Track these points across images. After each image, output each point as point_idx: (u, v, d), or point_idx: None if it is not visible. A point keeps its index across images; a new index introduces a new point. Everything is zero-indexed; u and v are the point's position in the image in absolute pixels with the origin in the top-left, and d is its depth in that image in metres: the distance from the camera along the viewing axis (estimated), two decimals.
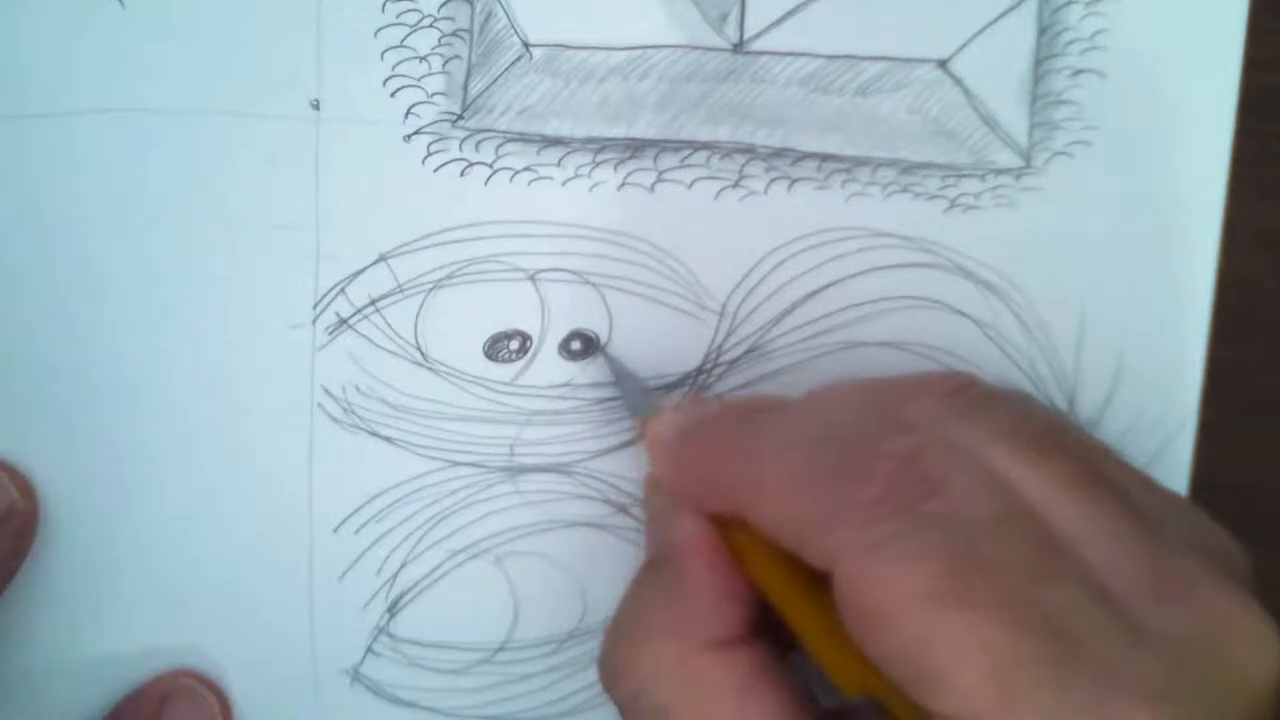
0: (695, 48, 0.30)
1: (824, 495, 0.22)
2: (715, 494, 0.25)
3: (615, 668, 0.25)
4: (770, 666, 0.24)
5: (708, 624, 0.24)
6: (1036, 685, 0.19)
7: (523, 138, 0.30)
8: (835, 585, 0.21)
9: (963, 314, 0.30)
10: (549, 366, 0.30)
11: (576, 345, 0.30)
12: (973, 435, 0.22)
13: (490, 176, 0.30)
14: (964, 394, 0.24)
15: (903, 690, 0.20)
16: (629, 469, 0.31)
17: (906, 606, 0.20)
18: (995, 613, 0.20)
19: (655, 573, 0.26)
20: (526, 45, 0.29)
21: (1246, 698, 0.20)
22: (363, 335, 0.30)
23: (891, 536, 0.21)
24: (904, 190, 0.30)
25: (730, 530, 0.25)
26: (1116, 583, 0.21)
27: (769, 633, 0.24)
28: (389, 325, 0.30)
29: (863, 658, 0.21)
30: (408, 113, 0.29)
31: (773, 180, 0.30)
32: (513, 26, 0.29)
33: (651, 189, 0.30)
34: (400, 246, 0.30)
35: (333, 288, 0.30)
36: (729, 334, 0.30)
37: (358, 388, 0.30)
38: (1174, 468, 0.31)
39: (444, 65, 0.29)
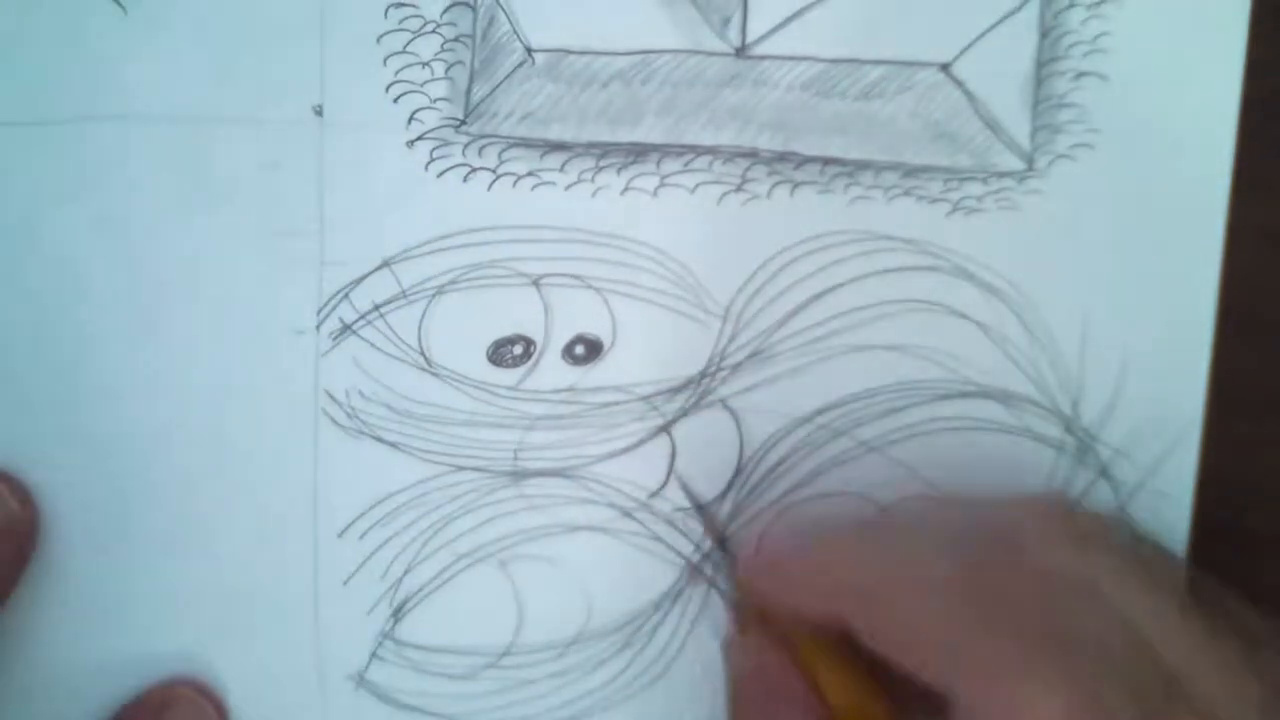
0: (698, 52, 0.30)
1: (950, 618, 0.22)
2: (822, 608, 0.25)
3: None
4: None
5: None
6: None
7: (526, 143, 0.30)
8: (956, 708, 0.22)
9: (966, 317, 0.30)
10: (552, 371, 0.30)
11: (580, 350, 0.30)
12: (1088, 563, 0.23)
13: (493, 182, 0.30)
14: (1073, 522, 0.24)
15: None
16: (632, 473, 0.31)
17: None
18: None
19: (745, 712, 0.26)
20: (529, 50, 0.29)
21: None
22: (366, 340, 0.30)
23: (1022, 661, 0.21)
24: (907, 194, 0.30)
25: (803, 645, 0.25)
26: (1226, 709, 0.21)
27: None
28: (392, 330, 0.30)
29: None
30: (411, 118, 0.29)
31: (776, 184, 0.30)
32: (515, 32, 0.29)
33: (655, 193, 0.30)
34: (404, 252, 0.30)
35: (336, 293, 0.30)
36: (732, 337, 0.30)
37: (361, 393, 0.30)
38: (1180, 469, 0.31)
39: (447, 71, 0.29)
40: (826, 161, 0.30)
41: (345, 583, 0.31)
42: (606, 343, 0.30)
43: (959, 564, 0.23)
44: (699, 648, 0.31)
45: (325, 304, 0.30)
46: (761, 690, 0.26)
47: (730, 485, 0.31)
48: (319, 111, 0.29)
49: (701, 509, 0.30)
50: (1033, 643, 0.22)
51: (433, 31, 0.29)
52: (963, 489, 0.30)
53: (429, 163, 0.30)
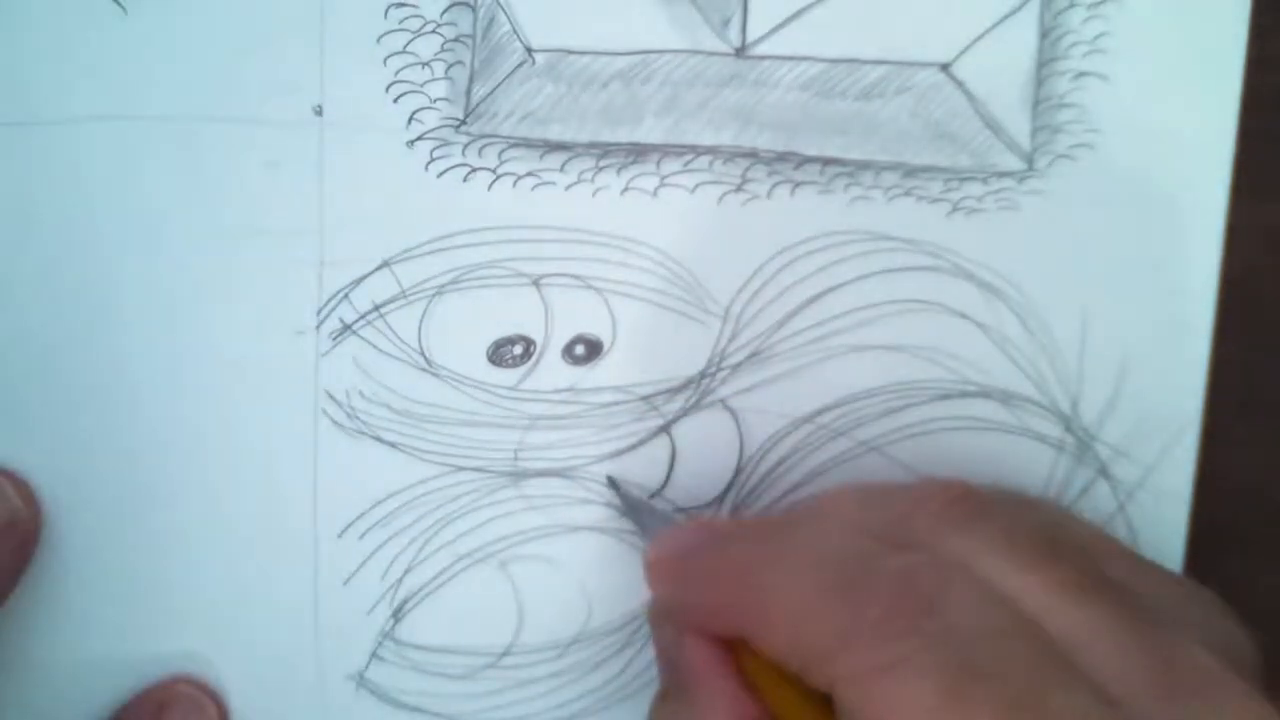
0: (698, 52, 0.30)
1: (825, 622, 0.22)
2: (719, 618, 0.25)
3: None
4: None
5: None
6: None
7: (526, 143, 0.30)
8: (838, 710, 0.21)
9: (965, 317, 0.30)
10: (552, 371, 0.30)
11: (580, 350, 0.30)
12: (968, 547, 0.23)
13: (493, 182, 0.30)
14: (959, 504, 0.24)
15: None
16: (632, 473, 0.31)
17: None
18: None
19: (668, 703, 0.26)
20: (529, 50, 0.29)
21: None
22: (366, 341, 0.30)
23: (890, 658, 0.21)
24: (907, 194, 0.30)
25: (737, 649, 0.25)
26: (1119, 685, 0.21)
27: None
28: (392, 331, 0.30)
29: None
30: (410, 118, 0.29)
31: (776, 184, 0.30)
32: (515, 32, 0.29)
33: (655, 194, 0.30)
34: (404, 252, 0.30)
35: (336, 293, 0.30)
36: (732, 338, 0.30)
37: (361, 393, 0.30)
38: (1177, 468, 0.31)
39: (447, 71, 0.29)
40: (826, 161, 0.30)
41: (345, 583, 0.31)
42: (606, 343, 0.30)
43: (840, 566, 0.23)
44: None
45: (325, 304, 0.30)
46: (682, 686, 0.26)
47: (730, 485, 0.31)
48: (319, 111, 0.29)
49: (634, 506, 0.30)
50: (901, 633, 0.21)
51: (433, 31, 0.29)
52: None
53: (429, 163, 0.30)
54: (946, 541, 0.23)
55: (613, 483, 0.30)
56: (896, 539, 0.23)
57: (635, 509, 0.30)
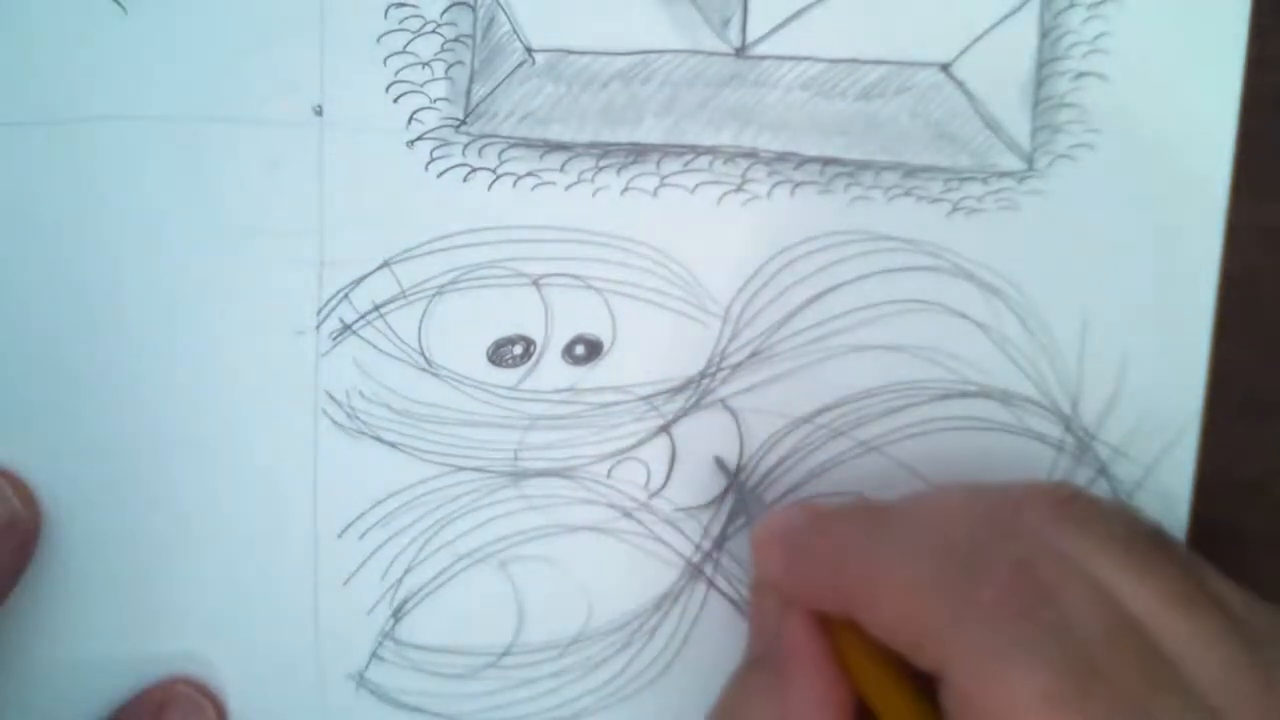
0: (698, 52, 0.30)
1: (940, 600, 0.23)
2: (828, 594, 0.25)
3: None
4: None
5: None
6: None
7: (526, 143, 0.30)
8: (946, 689, 0.22)
9: (965, 317, 0.30)
10: (552, 371, 0.30)
11: (580, 350, 0.30)
12: (1082, 546, 0.23)
13: (493, 182, 0.30)
14: (1072, 504, 0.24)
15: None
16: (632, 473, 0.31)
17: (1023, 711, 0.20)
18: None
19: (759, 672, 0.26)
20: (529, 50, 0.29)
21: None
22: (366, 341, 0.30)
23: (1008, 642, 0.21)
24: (907, 194, 0.30)
25: (836, 630, 0.25)
26: (1221, 698, 0.21)
27: None
28: (393, 331, 0.30)
29: None
30: (411, 118, 0.29)
31: (776, 184, 0.30)
32: (515, 32, 0.29)
33: (654, 194, 0.30)
34: (404, 252, 0.30)
35: (336, 293, 0.30)
36: (732, 338, 0.30)
37: (361, 393, 0.30)
38: (1177, 468, 0.31)
39: (447, 71, 0.29)
40: (826, 161, 0.30)
41: (345, 583, 0.31)
42: (606, 343, 0.30)
43: (953, 549, 0.24)
44: (699, 648, 0.31)
45: (325, 304, 0.30)
46: (777, 657, 0.26)
47: (730, 485, 0.31)
48: (319, 111, 0.29)
49: (734, 482, 0.30)
50: (1017, 617, 0.22)
51: (433, 31, 0.29)
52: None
53: (429, 163, 0.30)
54: (1060, 539, 0.23)
55: (720, 464, 0.30)
56: (1009, 530, 0.24)
57: (739, 493, 0.30)
